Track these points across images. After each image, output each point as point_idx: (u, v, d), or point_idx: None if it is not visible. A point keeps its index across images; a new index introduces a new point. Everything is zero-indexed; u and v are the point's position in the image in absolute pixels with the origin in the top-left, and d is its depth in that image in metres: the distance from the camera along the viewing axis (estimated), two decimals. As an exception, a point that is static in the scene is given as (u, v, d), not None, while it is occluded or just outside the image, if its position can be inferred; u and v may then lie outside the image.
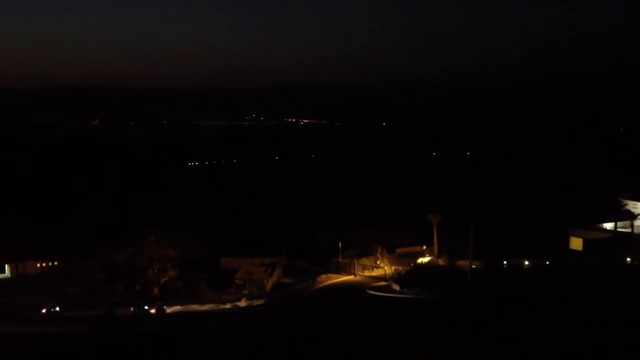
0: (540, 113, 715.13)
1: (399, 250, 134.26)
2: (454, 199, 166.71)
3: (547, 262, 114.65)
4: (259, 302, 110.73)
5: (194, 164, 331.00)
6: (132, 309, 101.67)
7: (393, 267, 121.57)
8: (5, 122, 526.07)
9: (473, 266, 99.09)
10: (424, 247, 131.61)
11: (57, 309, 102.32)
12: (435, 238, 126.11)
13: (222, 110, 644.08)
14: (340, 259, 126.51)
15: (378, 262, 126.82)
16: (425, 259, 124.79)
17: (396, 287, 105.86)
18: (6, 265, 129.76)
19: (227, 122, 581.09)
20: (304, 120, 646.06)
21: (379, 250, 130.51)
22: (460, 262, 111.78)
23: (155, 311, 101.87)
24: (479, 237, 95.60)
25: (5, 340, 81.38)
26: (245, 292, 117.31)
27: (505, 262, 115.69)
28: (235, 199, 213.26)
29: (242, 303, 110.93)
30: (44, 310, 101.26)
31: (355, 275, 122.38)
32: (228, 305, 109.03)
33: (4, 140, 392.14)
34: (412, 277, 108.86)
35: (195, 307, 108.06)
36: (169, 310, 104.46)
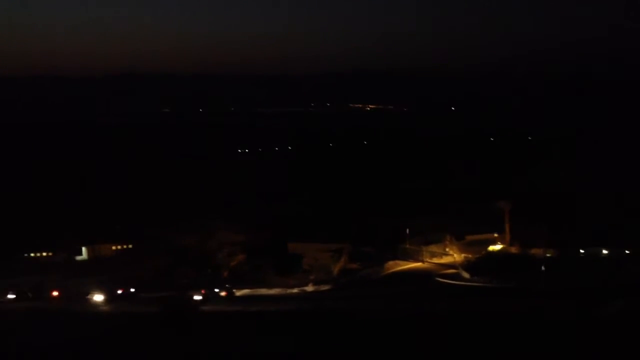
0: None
1: (468, 238, 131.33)
2: (526, 185, 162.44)
3: (627, 252, 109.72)
4: (326, 287, 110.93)
5: (259, 150, 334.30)
6: (202, 291, 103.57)
7: (462, 255, 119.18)
8: (86, 110, 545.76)
9: (547, 255, 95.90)
10: (496, 235, 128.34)
11: (132, 290, 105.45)
12: (507, 225, 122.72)
13: (286, 96, 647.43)
14: (407, 246, 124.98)
15: (447, 250, 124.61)
16: (497, 247, 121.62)
17: (466, 275, 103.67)
18: (83, 248, 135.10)
19: (291, 108, 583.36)
20: (370, 106, 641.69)
21: (448, 237, 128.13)
22: (534, 250, 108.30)
23: (226, 294, 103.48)
24: (554, 225, 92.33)
25: (84, 319, 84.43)
26: (312, 277, 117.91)
27: (582, 251, 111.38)
28: (299, 186, 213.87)
29: (309, 288, 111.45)
30: (119, 292, 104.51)
31: (423, 262, 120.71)
32: (295, 290, 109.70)
33: (83, 126, 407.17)
34: (482, 264, 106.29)
35: (263, 291, 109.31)
36: (238, 293, 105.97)
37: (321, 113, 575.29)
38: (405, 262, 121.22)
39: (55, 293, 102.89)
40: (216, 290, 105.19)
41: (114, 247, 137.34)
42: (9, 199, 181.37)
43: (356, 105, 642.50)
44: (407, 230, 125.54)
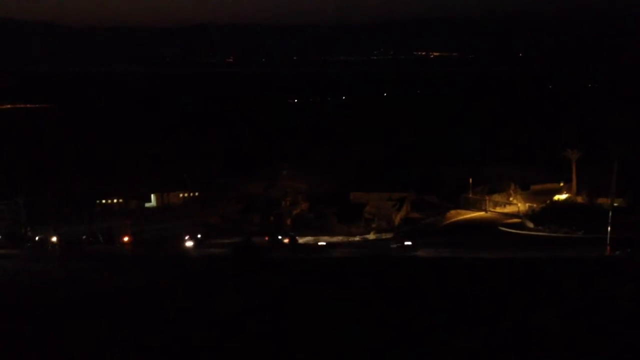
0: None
1: (533, 187, 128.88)
2: (595, 134, 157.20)
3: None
4: (388, 235, 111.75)
5: (323, 99, 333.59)
6: (266, 238, 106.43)
7: (527, 204, 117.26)
8: (153, 61, 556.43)
9: (615, 204, 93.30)
10: (562, 184, 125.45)
11: (200, 236, 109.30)
12: (574, 175, 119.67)
13: (349, 45, 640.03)
14: (470, 195, 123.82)
15: (511, 199, 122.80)
16: (563, 196, 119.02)
17: (530, 225, 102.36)
18: (152, 195, 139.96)
19: (355, 57, 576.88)
20: (434, 54, 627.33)
21: (512, 186, 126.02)
22: (601, 200, 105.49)
23: (288, 241, 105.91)
24: (624, 175, 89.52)
25: (156, 263, 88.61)
26: (374, 225, 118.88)
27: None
28: (363, 135, 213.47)
29: (371, 236, 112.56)
30: (187, 237, 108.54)
31: (486, 212, 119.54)
32: (357, 238, 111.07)
33: (152, 78, 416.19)
34: (547, 214, 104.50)
35: (325, 239, 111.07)
36: (300, 240, 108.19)
37: (384, 60, 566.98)
38: (468, 212, 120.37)
39: (125, 239, 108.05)
40: (279, 237, 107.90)
41: (181, 195, 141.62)
42: (84, 148, 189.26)
43: (420, 53, 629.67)
44: (470, 180, 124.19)
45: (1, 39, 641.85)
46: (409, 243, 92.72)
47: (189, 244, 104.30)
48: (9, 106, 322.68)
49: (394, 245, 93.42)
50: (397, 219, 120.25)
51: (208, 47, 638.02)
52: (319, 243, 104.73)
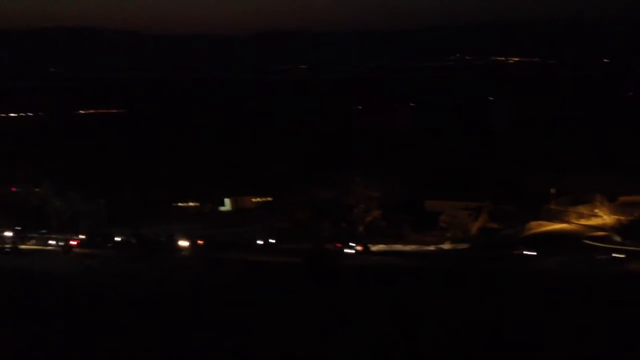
0: None
1: (622, 199, 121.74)
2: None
3: None
4: (463, 246, 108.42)
5: (396, 105, 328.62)
6: (338, 244, 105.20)
7: (614, 217, 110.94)
8: (225, 68, 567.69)
9: None
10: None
11: (272, 240, 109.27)
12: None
13: (424, 50, 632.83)
14: (552, 206, 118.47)
15: (596, 211, 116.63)
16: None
17: (617, 238, 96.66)
18: (226, 199, 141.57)
19: (430, 62, 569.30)
20: (513, 59, 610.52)
21: (598, 197, 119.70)
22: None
23: (362, 248, 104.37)
24: None
25: (229, 265, 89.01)
26: (449, 235, 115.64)
27: None
28: (436, 142, 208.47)
29: (446, 246, 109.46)
30: (260, 242, 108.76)
31: (568, 224, 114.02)
32: (432, 247, 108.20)
33: (225, 84, 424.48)
34: (637, 227, 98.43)
35: (399, 247, 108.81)
36: (373, 248, 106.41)
37: (461, 66, 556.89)
38: (550, 223, 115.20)
39: (200, 242, 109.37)
40: (352, 244, 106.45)
41: (254, 199, 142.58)
42: (163, 152, 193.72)
43: (499, 58, 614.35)
44: (553, 190, 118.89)
45: (88, 48, 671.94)
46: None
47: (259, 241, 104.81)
48: (93, 111, 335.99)
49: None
50: (474, 228, 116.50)
51: (279, 54, 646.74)
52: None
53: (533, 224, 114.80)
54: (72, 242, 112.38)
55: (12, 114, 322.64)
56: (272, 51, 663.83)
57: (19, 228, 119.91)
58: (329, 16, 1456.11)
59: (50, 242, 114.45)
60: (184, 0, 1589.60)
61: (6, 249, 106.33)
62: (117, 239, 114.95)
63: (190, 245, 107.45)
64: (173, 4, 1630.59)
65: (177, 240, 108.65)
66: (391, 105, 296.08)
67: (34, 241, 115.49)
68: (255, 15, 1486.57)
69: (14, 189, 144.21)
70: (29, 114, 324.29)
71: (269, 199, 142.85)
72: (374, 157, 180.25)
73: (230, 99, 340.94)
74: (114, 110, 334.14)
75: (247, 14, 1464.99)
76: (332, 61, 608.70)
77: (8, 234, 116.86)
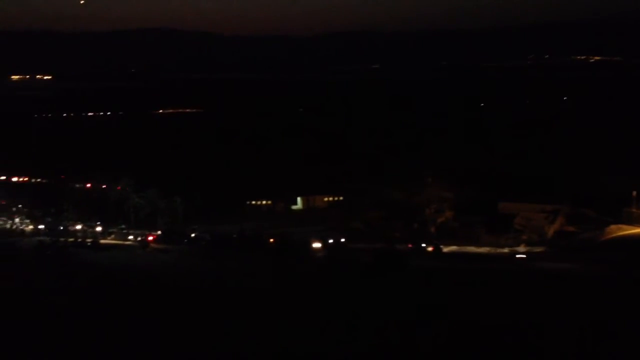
0: None
1: None
2: None
3: None
4: (539, 249, 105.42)
5: (474, 106, 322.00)
6: (410, 245, 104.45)
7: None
8: (295, 69, 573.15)
9: None
10: None
11: (343, 240, 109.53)
12: None
13: (501, 49, 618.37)
14: (634, 209, 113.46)
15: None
16: None
17: None
18: (298, 198, 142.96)
19: (509, 62, 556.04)
20: (595, 58, 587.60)
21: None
22: None
23: (433, 249, 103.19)
24: None
25: (299, 264, 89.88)
26: (525, 237, 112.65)
27: None
28: (511, 144, 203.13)
29: (521, 248, 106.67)
30: (331, 241, 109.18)
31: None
32: (506, 250, 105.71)
33: (297, 84, 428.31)
34: None
35: (472, 249, 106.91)
36: (445, 249, 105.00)
37: (540, 65, 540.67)
38: (631, 227, 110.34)
39: (271, 240, 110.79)
40: (423, 245, 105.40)
41: (326, 199, 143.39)
42: (237, 150, 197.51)
43: (579, 57, 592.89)
44: (635, 193, 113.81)
45: (166, 48, 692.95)
46: None
47: (316, 245, 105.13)
48: (170, 111, 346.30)
49: None
50: (550, 232, 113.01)
51: (350, 53, 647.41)
52: (517, 255, 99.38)
53: (612, 227, 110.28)
54: (149, 238, 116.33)
55: (96, 113, 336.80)
56: (344, 50, 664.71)
57: (100, 223, 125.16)
58: (398, 15, 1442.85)
59: (129, 237, 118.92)
60: (256, 2, 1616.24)
61: (88, 243, 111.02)
62: (192, 235, 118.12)
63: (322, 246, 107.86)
64: (245, 5, 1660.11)
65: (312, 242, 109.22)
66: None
67: (113, 236, 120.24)
68: (326, 15, 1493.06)
69: (103, 186, 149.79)
70: (110, 113, 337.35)
71: (341, 198, 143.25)
72: (444, 158, 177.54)
73: (302, 99, 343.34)
74: (191, 110, 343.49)
75: (318, 14, 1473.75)
76: (403, 60, 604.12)
77: (89, 228, 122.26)
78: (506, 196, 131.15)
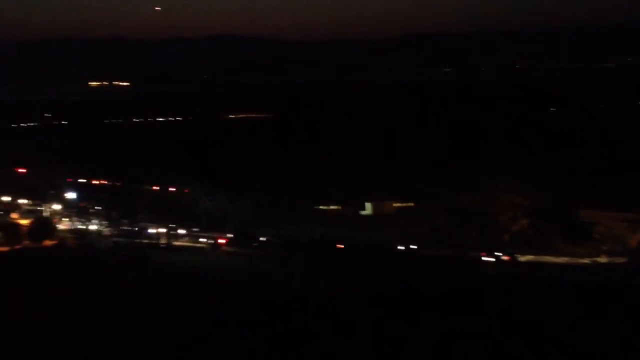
0: None
1: None
2: None
3: None
4: (621, 260, 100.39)
5: (550, 109, 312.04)
6: (483, 253, 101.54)
7: None
8: (367, 72, 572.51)
9: None
10: None
11: (413, 247, 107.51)
12: None
13: (578, 51, 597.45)
14: None
15: None
16: None
17: None
18: (367, 204, 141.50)
19: (585, 63, 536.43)
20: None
21: None
22: None
23: (508, 259, 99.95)
24: None
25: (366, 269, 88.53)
26: (605, 248, 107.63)
27: None
28: (589, 146, 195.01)
29: (602, 259, 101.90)
30: (400, 247, 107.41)
31: None
32: (586, 260, 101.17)
33: (369, 88, 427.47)
34: None
35: (548, 259, 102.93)
36: (521, 258, 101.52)
37: (621, 68, 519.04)
38: None
39: (340, 245, 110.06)
40: (497, 253, 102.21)
41: (395, 204, 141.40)
42: (306, 155, 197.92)
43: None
44: None
45: (227, 53, 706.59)
46: None
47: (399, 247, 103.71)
48: (241, 116, 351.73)
49: None
50: (634, 241, 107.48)
51: (424, 56, 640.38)
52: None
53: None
54: (220, 241, 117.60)
55: (168, 118, 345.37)
56: (418, 53, 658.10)
57: (173, 226, 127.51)
58: (468, 16, 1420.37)
59: (201, 239, 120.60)
60: (325, 7, 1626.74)
61: (162, 245, 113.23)
62: (262, 238, 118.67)
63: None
64: (314, 10, 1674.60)
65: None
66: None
67: (186, 238, 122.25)
68: (395, 18, 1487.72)
69: (171, 189, 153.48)
70: (180, 118, 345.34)
71: (411, 204, 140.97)
72: (518, 162, 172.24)
73: (375, 102, 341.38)
74: (261, 115, 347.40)
75: (391, 16, 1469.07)
76: (477, 62, 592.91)
77: (162, 230, 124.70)
78: (584, 203, 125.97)
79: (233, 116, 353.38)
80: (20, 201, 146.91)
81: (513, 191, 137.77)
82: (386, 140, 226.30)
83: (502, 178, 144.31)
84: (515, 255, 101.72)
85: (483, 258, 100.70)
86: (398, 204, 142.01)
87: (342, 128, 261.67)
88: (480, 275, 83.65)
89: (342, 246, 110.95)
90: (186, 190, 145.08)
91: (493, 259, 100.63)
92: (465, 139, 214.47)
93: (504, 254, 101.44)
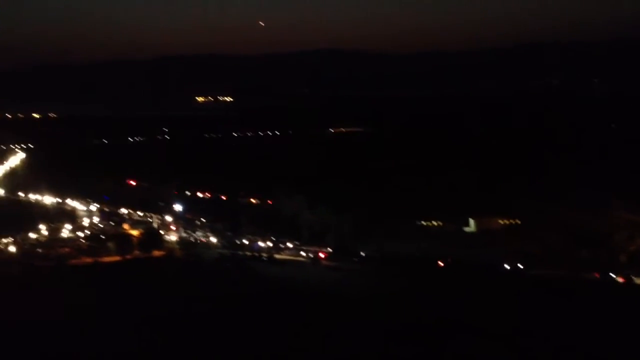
0: None
1: None
2: None
3: None
4: None
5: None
6: (596, 274, 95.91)
7: None
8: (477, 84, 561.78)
9: None
10: None
11: (520, 266, 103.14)
12: None
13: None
14: None
15: None
16: None
17: None
18: (471, 220, 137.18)
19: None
20: None
21: None
22: None
23: (624, 281, 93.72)
24: None
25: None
26: None
27: None
28: None
29: None
30: (506, 266, 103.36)
31: None
32: None
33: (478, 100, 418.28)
34: None
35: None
36: (637, 280, 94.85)
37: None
38: None
39: (440, 263, 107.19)
40: (612, 275, 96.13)
41: (501, 221, 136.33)
42: (407, 169, 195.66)
43: None
44: None
45: (330, 68, 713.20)
46: None
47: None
48: (343, 130, 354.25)
49: None
50: None
51: (533, 66, 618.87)
52: None
53: None
54: (320, 255, 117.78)
55: (267, 132, 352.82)
56: (525, 64, 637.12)
57: (274, 238, 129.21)
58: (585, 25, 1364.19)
59: (302, 253, 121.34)
60: (430, 18, 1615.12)
61: (263, 257, 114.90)
62: (362, 253, 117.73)
63: None
64: (418, 23, 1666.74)
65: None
66: None
67: (287, 251, 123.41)
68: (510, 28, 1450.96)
69: (270, 202, 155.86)
70: (277, 132, 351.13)
71: (518, 221, 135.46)
72: (635, 177, 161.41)
73: (479, 115, 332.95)
74: (363, 129, 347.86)
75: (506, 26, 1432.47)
76: (586, 73, 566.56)
77: (264, 243, 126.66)
78: None
79: (334, 130, 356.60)
80: (131, 212, 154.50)
81: (630, 208, 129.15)
82: (491, 153, 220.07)
83: (618, 194, 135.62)
84: (631, 277, 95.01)
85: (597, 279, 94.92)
86: (504, 221, 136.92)
87: (444, 141, 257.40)
88: (594, 298, 78.67)
89: (443, 264, 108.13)
90: (288, 203, 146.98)
91: (607, 280, 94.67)
92: (577, 152, 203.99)
93: (619, 276, 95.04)
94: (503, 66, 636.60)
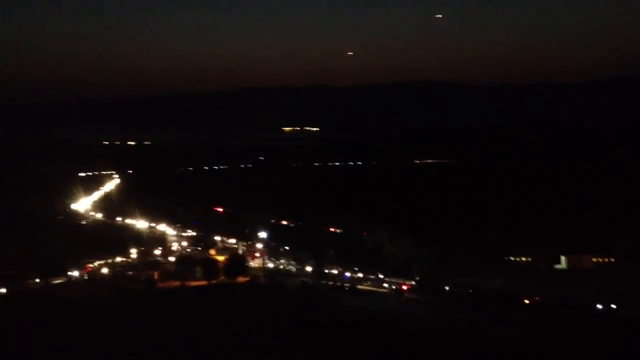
0: None
1: None
2: None
3: None
4: None
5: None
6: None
7: None
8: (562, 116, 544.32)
9: None
10: None
11: (613, 306, 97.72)
12: None
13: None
14: None
15: None
16: None
17: None
18: (562, 257, 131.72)
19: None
20: None
21: None
22: None
23: None
24: None
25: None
26: None
27: None
28: None
29: None
30: (599, 306, 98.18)
31: None
32: None
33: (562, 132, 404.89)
34: None
35: None
36: None
37: None
38: None
39: (526, 301, 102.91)
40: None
41: (594, 259, 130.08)
42: (498, 202, 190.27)
43: None
44: None
45: (424, 100, 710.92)
46: None
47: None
48: (427, 161, 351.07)
49: None
50: None
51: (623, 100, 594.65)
52: None
53: None
54: (403, 287, 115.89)
55: (354, 163, 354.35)
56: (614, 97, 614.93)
57: (357, 269, 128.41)
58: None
59: (384, 284, 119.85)
60: (519, 51, 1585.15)
61: (345, 287, 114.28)
62: (446, 287, 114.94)
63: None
64: (507, 55, 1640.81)
65: None
66: None
67: (369, 282, 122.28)
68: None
69: (364, 234, 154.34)
70: (359, 163, 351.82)
71: (612, 259, 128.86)
72: None
73: (573, 148, 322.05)
74: (446, 160, 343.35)
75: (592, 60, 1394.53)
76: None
77: (348, 274, 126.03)
78: None
79: (419, 162, 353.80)
80: (218, 238, 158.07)
81: None
82: (584, 187, 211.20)
83: None
84: None
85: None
86: (597, 259, 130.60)
87: (536, 174, 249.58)
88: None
89: (528, 301, 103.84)
90: (364, 234, 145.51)
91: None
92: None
93: None
94: (598, 98, 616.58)
